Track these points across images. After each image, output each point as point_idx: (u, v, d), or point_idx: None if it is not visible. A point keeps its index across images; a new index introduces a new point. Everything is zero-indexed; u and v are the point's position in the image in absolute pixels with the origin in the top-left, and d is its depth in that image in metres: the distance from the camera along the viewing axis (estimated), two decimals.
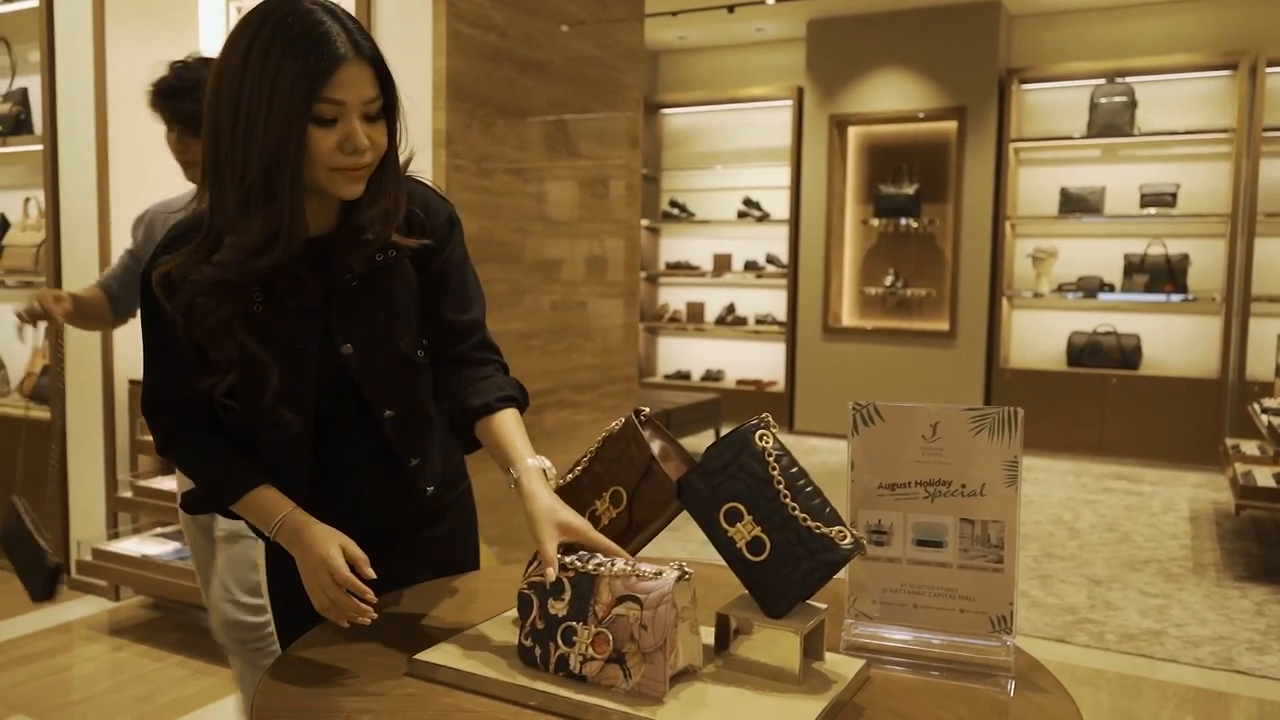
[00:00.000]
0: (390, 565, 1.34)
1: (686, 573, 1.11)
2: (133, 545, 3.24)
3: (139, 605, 3.43)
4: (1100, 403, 6.48)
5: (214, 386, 1.23)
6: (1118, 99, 6.45)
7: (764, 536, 1.14)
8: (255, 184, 1.15)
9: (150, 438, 1.40)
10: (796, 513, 1.13)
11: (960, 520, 1.21)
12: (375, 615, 1.19)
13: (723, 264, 7.85)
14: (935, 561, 1.22)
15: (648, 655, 1.11)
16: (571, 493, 1.26)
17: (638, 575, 1.13)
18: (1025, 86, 6.79)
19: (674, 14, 6.83)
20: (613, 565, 1.15)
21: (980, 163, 6.77)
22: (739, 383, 7.73)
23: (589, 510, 1.25)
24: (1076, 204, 6.62)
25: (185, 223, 1.26)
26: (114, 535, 3.39)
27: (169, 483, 3.26)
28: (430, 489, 1.41)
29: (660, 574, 1.12)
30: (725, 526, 1.16)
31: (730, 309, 7.89)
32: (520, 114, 3.10)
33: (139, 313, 1.32)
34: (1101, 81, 6.52)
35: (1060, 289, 6.71)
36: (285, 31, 1.14)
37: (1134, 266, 6.51)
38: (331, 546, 1.21)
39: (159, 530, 3.40)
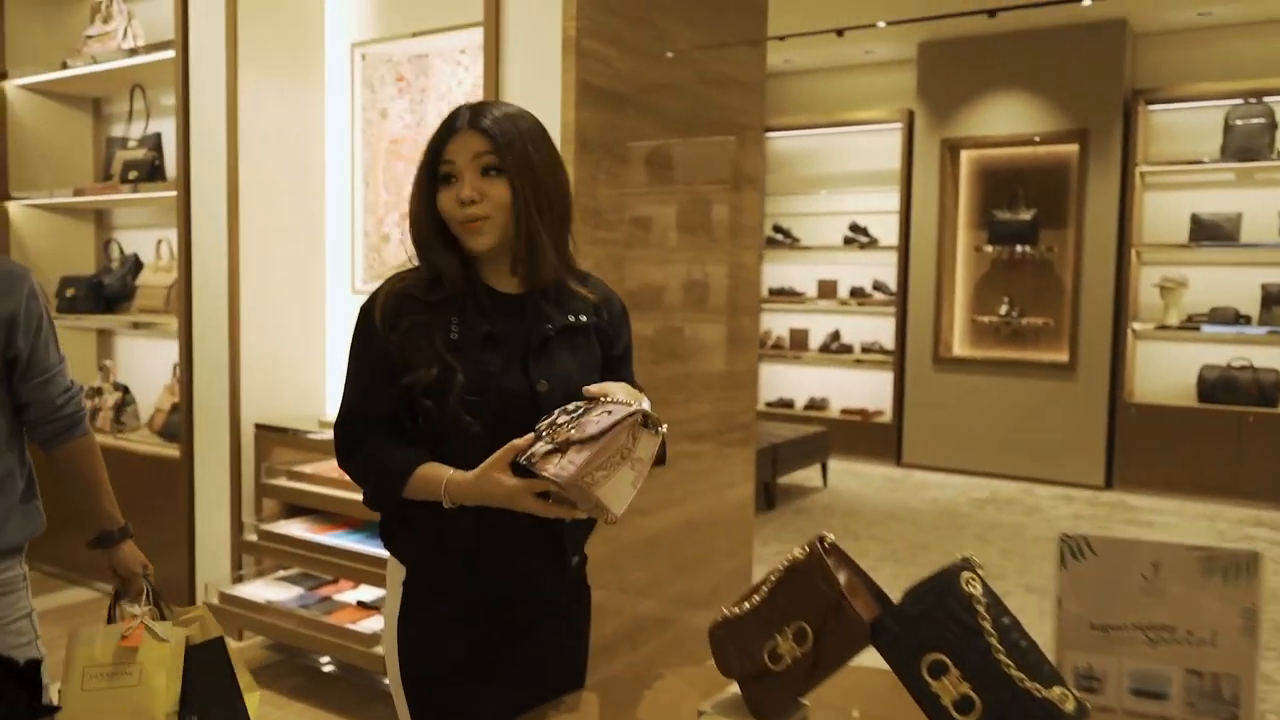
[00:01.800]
0: (509, 669, 1.51)
1: (659, 426, 1.29)
2: (257, 589, 3.28)
3: (261, 646, 3.47)
4: (1235, 441, 6.11)
5: (416, 382, 1.41)
6: (1256, 120, 6.09)
7: (973, 695, 1.04)
8: (414, 238, 1.49)
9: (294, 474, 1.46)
10: (1011, 670, 1.03)
11: (1186, 671, 1.09)
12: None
13: (828, 290, 7.69)
14: (1156, 715, 1.10)
15: (584, 444, 1.24)
16: (750, 624, 1.18)
17: (621, 403, 1.29)
18: (1152, 108, 6.47)
19: (781, 38, 6.70)
20: (600, 397, 1.33)
21: (1103, 187, 6.47)
22: (844, 412, 7.55)
23: (769, 647, 1.16)
24: (1209, 231, 6.27)
25: (400, 273, 1.54)
26: (239, 578, 3.43)
27: (294, 527, 3.29)
28: (575, 559, 1.56)
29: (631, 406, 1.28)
30: (928, 680, 1.06)
31: (835, 336, 7.72)
32: (642, 161, 3.05)
33: (350, 342, 1.53)
34: (1237, 102, 6.17)
35: (1190, 320, 6.36)
36: (439, 123, 1.50)
37: (1273, 297, 6.13)
38: (497, 471, 1.34)
39: (281, 573, 3.43)
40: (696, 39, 3.22)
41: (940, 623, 1.05)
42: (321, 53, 3.64)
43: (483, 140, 1.43)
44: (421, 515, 1.46)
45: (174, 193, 3.68)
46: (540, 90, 2.78)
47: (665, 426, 1.32)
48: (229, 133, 3.42)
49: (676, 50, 3.12)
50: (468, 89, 3.34)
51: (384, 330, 1.45)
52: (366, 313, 1.50)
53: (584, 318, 1.54)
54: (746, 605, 1.19)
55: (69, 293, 4.15)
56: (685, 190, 3.25)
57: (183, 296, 3.62)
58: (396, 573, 1.55)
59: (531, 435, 1.32)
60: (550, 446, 1.28)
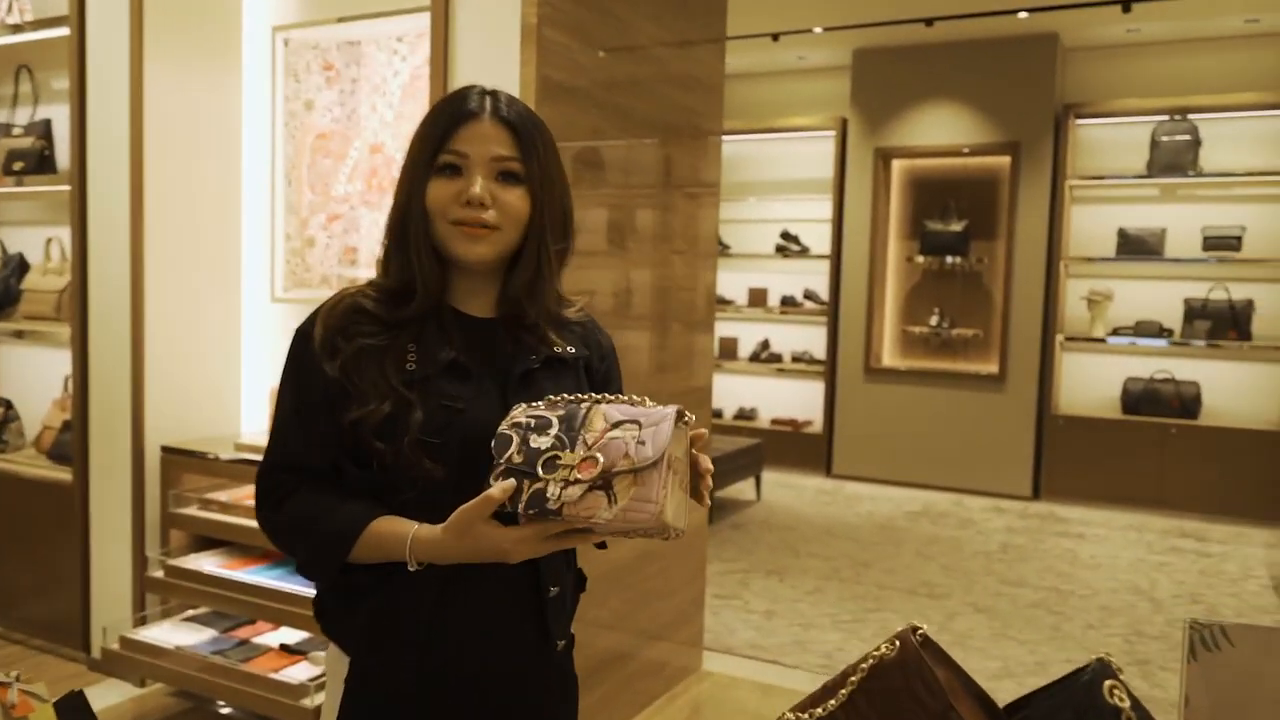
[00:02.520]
0: None
1: (686, 417, 1.06)
2: (164, 633, 2.93)
3: (165, 693, 3.11)
4: (1159, 453, 6.20)
5: (364, 419, 1.17)
6: (1180, 137, 6.19)
7: None
8: (390, 234, 1.24)
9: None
10: None
11: None
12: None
13: (758, 298, 7.57)
14: None
15: (640, 474, 1.02)
16: None
17: (634, 403, 1.08)
18: (1081, 122, 6.53)
19: (714, 41, 6.56)
20: (602, 396, 1.11)
21: (1034, 200, 6.50)
22: (774, 422, 7.43)
23: None
24: (1135, 245, 6.35)
25: (341, 291, 1.28)
26: (141, 619, 3.07)
27: (205, 561, 2.95)
28: (560, 644, 1.30)
29: (657, 406, 1.07)
30: None
31: (765, 345, 7.61)
32: (601, 164, 2.82)
33: (281, 373, 1.28)
34: (1163, 118, 6.26)
35: (1116, 333, 6.43)
36: (439, 102, 1.26)
37: (1195, 312, 6.24)
38: (481, 524, 1.09)
39: (190, 613, 3.08)
40: (660, 35, 3.01)
41: None
42: (239, 36, 3.31)
43: (506, 137, 1.21)
44: (370, 586, 1.20)
45: (67, 187, 3.30)
46: (494, 83, 2.51)
47: (693, 417, 1.10)
48: (133, 121, 3.06)
49: (639, 46, 2.90)
50: (405, 81, 3.06)
51: (324, 354, 1.20)
52: (303, 335, 1.25)
53: (572, 349, 1.30)
54: (819, 710, 0.97)
55: None
56: (643, 195, 3.04)
57: (77, 302, 3.24)
58: (337, 664, 1.28)
59: (505, 480, 1.07)
60: (573, 484, 1.03)
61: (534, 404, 1.12)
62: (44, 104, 3.77)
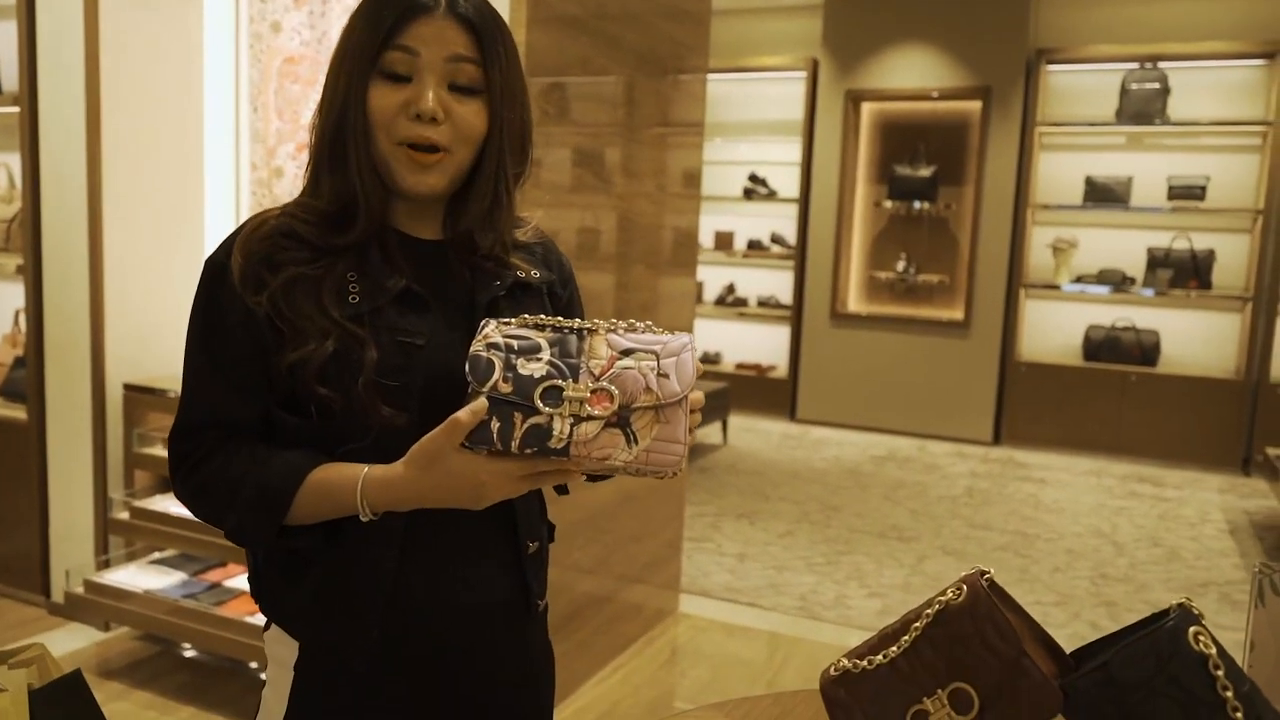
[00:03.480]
0: None
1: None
2: (129, 576, 2.83)
3: (130, 637, 3.03)
4: (1118, 400, 6.30)
5: (305, 361, 0.99)
6: (1150, 85, 6.19)
7: None
8: (322, 147, 1.04)
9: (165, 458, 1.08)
10: None
11: None
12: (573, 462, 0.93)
13: (724, 241, 7.50)
14: None
15: (663, 411, 0.91)
16: (884, 682, 0.92)
17: (639, 329, 0.96)
18: (1052, 68, 6.50)
19: None
20: (599, 322, 0.97)
21: (1003, 146, 6.48)
22: (738, 366, 7.42)
23: (912, 711, 0.91)
24: (1101, 194, 6.38)
25: (264, 210, 1.09)
26: (105, 563, 2.97)
27: (171, 502, 2.85)
28: (541, 604, 1.17)
29: (668, 334, 0.96)
30: None
31: (730, 289, 7.56)
32: (591, 97, 2.71)
33: (190, 316, 1.07)
34: (1134, 66, 6.25)
35: (1079, 280, 6.48)
36: None
37: (1157, 261, 6.30)
38: (452, 453, 0.93)
39: (156, 556, 2.99)
40: None
41: (1163, 693, 0.82)
42: None
43: (463, 37, 1.01)
44: (316, 548, 1.03)
45: (14, 109, 3.10)
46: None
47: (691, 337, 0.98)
48: (88, 39, 2.87)
49: None
50: None
51: (247, 288, 1.01)
52: (217, 267, 1.04)
53: (537, 274, 1.14)
54: (879, 658, 0.93)
55: None
56: (628, 131, 2.94)
57: (30, 232, 3.06)
58: (281, 650, 1.09)
59: (479, 401, 0.91)
60: (585, 420, 0.90)
61: (505, 321, 0.97)
62: None
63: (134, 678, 2.79)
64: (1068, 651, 0.93)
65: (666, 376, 0.93)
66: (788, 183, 7.28)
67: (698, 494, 4.95)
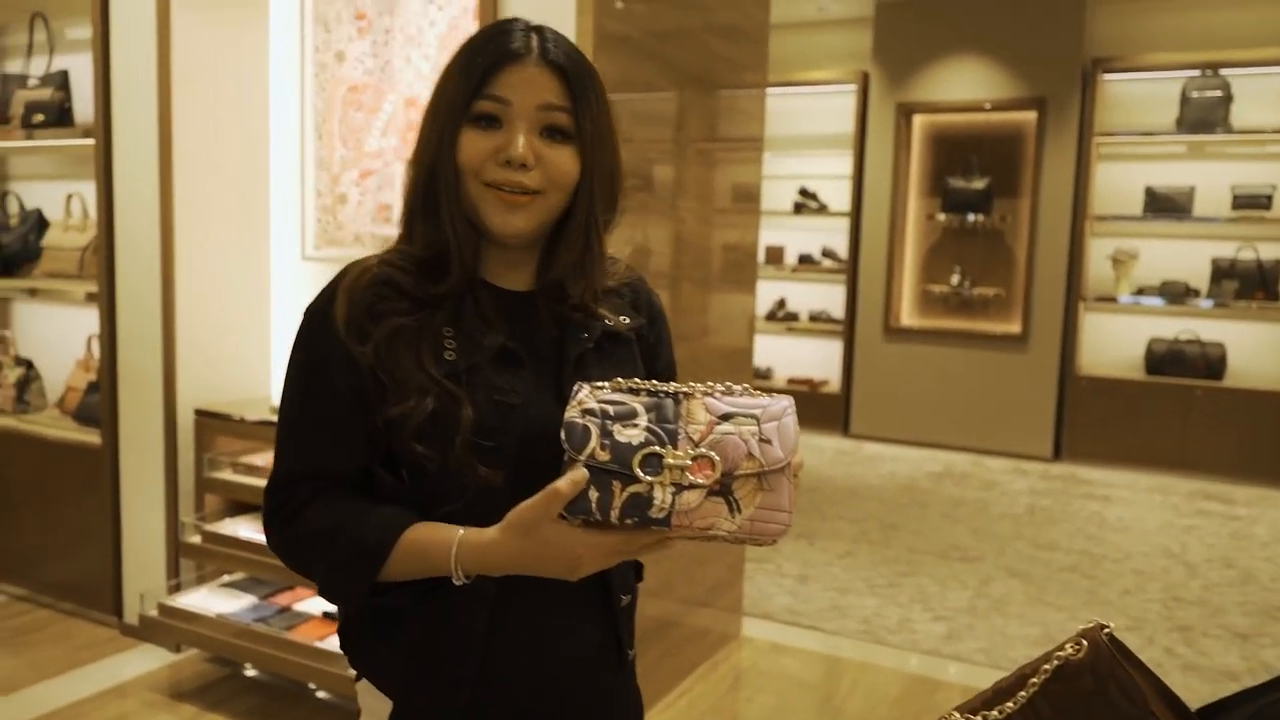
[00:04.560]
0: None
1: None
2: (201, 599, 2.87)
3: (200, 659, 3.07)
4: (1182, 415, 6.15)
5: (404, 418, 0.98)
6: (1211, 93, 6.06)
7: None
8: (417, 194, 1.05)
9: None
10: None
11: None
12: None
13: (774, 256, 7.46)
14: None
15: (767, 479, 0.89)
16: None
17: (736, 392, 0.94)
18: (1109, 77, 6.39)
19: None
20: (695, 385, 0.94)
21: (1060, 157, 6.38)
22: (790, 381, 7.37)
23: None
24: (1162, 204, 6.25)
25: (363, 258, 1.08)
26: (175, 586, 3.01)
27: (240, 526, 2.89)
28: (631, 654, 1.16)
29: (765, 395, 0.94)
30: None
31: (781, 304, 7.52)
32: (653, 118, 2.71)
33: (288, 364, 1.07)
34: (1194, 73, 6.12)
35: (1140, 292, 6.35)
36: (473, 39, 1.05)
37: (1222, 272, 6.16)
38: (548, 524, 0.92)
39: (226, 579, 3.03)
40: None
41: None
42: None
43: (556, 84, 1.01)
44: (407, 609, 1.02)
45: (87, 140, 3.18)
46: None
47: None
48: (160, 72, 2.94)
49: None
50: (442, 31, 2.94)
51: (351, 337, 1.00)
52: (319, 316, 1.03)
53: (626, 319, 1.12)
54: (994, 714, 0.90)
55: None
56: (687, 151, 2.93)
57: (104, 259, 3.13)
58: (375, 704, 1.08)
59: (578, 471, 0.89)
60: (688, 489, 0.88)
61: (598, 385, 0.94)
62: (59, 54, 3.63)
63: (205, 700, 2.83)
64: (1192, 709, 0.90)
65: (769, 442, 0.90)
66: (838, 196, 7.23)
67: None
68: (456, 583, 0.97)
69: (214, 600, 2.87)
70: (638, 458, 0.89)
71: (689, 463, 0.89)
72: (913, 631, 3.51)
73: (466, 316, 1.03)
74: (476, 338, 1.02)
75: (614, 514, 0.88)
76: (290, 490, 1.03)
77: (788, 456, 0.90)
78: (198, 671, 3.01)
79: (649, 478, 0.88)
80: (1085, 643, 0.87)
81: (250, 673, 2.97)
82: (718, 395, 0.93)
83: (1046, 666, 0.89)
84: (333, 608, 2.81)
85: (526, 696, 1.06)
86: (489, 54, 1.01)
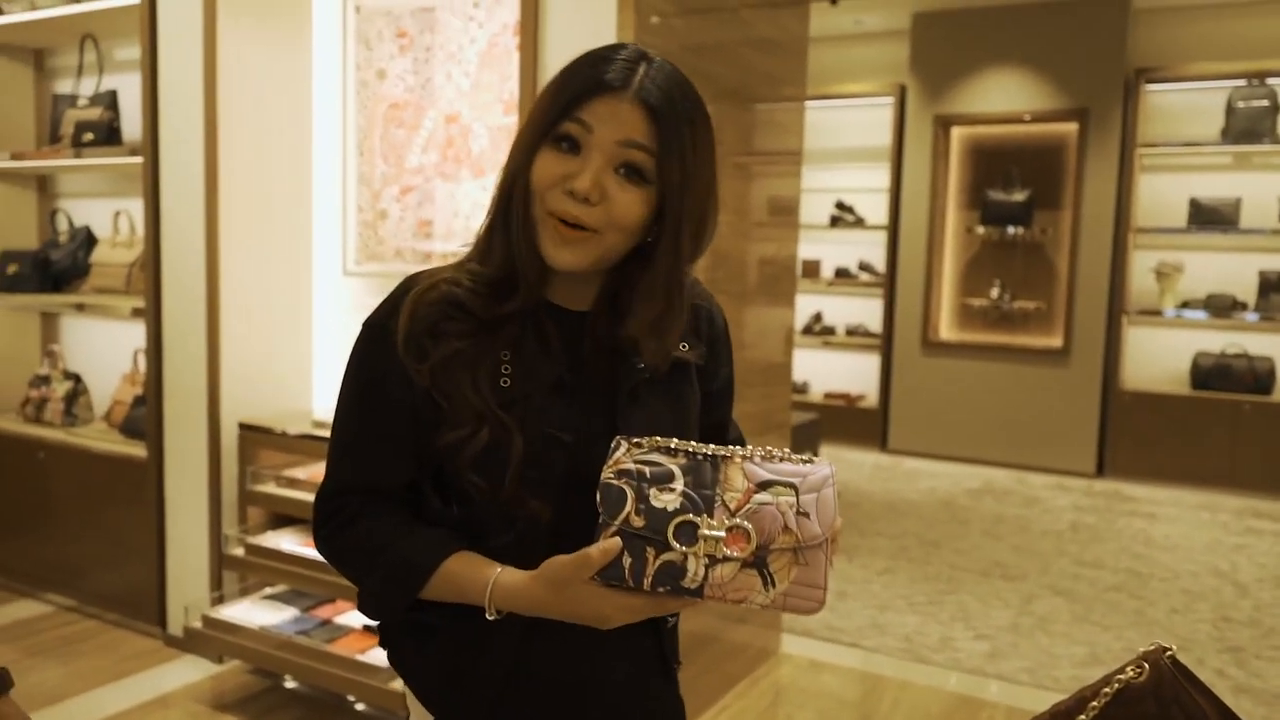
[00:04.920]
0: None
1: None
2: (244, 611, 2.90)
3: (242, 671, 3.09)
4: (1230, 430, 6.02)
5: (457, 446, 0.98)
6: (1258, 102, 5.95)
7: None
8: (499, 209, 1.03)
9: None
10: None
11: None
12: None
13: (811, 270, 7.43)
14: None
15: (803, 553, 0.87)
16: None
17: (776, 458, 0.92)
18: (1153, 87, 6.30)
19: (771, 5, 6.39)
20: (734, 449, 0.93)
21: (1101, 169, 6.30)
22: (827, 396, 7.32)
23: None
24: (1208, 216, 6.14)
25: (425, 271, 1.07)
26: (218, 598, 3.05)
27: (283, 539, 2.92)
28: (678, 666, 1.18)
29: (806, 460, 0.92)
30: None
31: (817, 318, 7.48)
32: None
33: (343, 375, 1.07)
34: (1240, 83, 6.02)
35: (1185, 306, 6.24)
36: (575, 60, 1.03)
37: (1270, 284, 6.03)
38: (580, 584, 0.92)
39: (268, 592, 3.06)
40: None
41: None
42: (309, 3, 3.22)
43: (643, 123, 0.96)
44: (443, 626, 1.03)
45: (135, 159, 3.24)
46: (584, 47, 2.42)
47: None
48: (206, 91, 2.99)
49: (726, 8, 2.79)
50: (482, 48, 2.96)
51: (410, 355, 0.99)
52: (379, 329, 1.02)
53: (685, 346, 1.08)
54: None
55: (11, 269, 3.68)
56: (730, 165, 2.93)
57: (150, 275, 3.19)
58: (424, 714, 1.10)
59: (611, 541, 0.89)
60: (721, 562, 0.87)
61: (637, 442, 0.93)
62: (108, 74, 3.71)
63: (247, 712, 2.85)
64: None
65: (807, 516, 0.89)
66: (875, 209, 7.19)
67: None
68: (489, 617, 0.98)
69: (256, 612, 2.89)
70: (672, 525, 0.88)
71: (723, 534, 0.88)
72: (954, 650, 3.46)
73: (527, 343, 1.02)
74: (534, 366, 1.01)
75: (647, 582, 0.88)
76: (340, 501, 1.05)
77: (825, 533, 0.89)
78: (240, 683, 3.03)
79: (683, 548, 0.88)
80: (1147, 665, 0.86)
81: (291, 685, 2.99)
82: (758, 460, 0.92)
83: (1107, 690, 0.87)
84: (375, 622, 2.82)
85: (564, 713, 1.06)
86: (585, 79, 0.98)
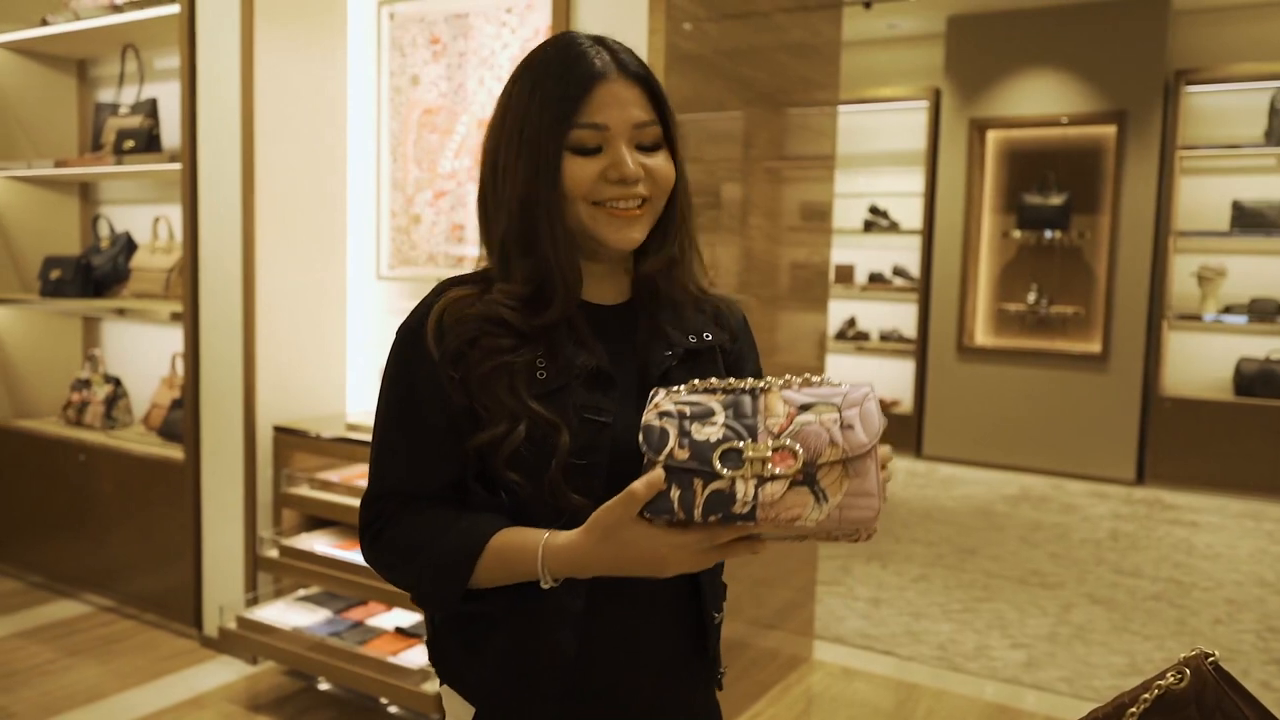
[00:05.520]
0: None
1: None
2: (278, 612, 2.92)
3: (276, 672, 3.12)
4: (1275, 437, 5.89)
5: (495, 445, 0.99)
6: None
7: None
8: (510, 229, 1.03)
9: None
10: None
11: None
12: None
13: (844, 275, 7.39)
14: None
15: (851, 464, 0.87)
16: None
17: (814, 383, 0.93)
18: (1193, 89, 6.20)
19: (830, 7, 6.37)
20: (771, 379, 0.93)
21: (1141, 172, 6.20)
22: None
23: None
24: (1251, 219, 6.02)
25: (462, 275, 1.10)
26: (253, 599, 3.07)
27: (317, 541, 2.94)
28: (721, 672, 1.16)
29: (842, 384, 0.93)
30: None
31: (851, 323, 7.43)
32: (724, 137, 2.71)
33: (381, 381, 1.08)
34: None
35: (1228, 311, 6.12)
36: (544, 59, 1.04)
37: None
38: (631, 525, 0.91)
39: (302, 593, 3.08)
40: (778, 1, 2.88)
41: None
42: (344, 10, 3.26)
43: (640, 97, 1.02)
44: (498, 617, 1.03)
45: (174, 165, 3.29)
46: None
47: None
48: (244, 100, 3.03)
49: (759, 12, 2.78)
50: (514, 54, 2.98)
51: (444, 360, 1.01)
52: (415, 336, 1.03)
53: (708, 335, 1.12)
54: None
55: (54, 274, 3.74)
56: (763, 169, 2.92)
57: (189, 281, 3.23)
58: (458, 708, 1.09)
59: (655, 472, 0.89)
60: (770, 480, 0.87)
61: (674, 389, 0.95)
62: (149, 83, 3.78)
63: (281, 712, 2.87)
64: None
65: (851, 428, 0.89)
66: (909, 214, 7.13)
67: None
68: (544, 586, 0.97)
69: (290, 614, 2.92)
70: (717, 454, 0.88)
71: (769, 454, 0.88)
72: (990, 658, 3.41)
73: (561, 340, 1.03)
74: (570, 359, 1.03)
75: (697, 512, 0.88)
76: (384, 504, 1.05)
77: (871, 441, 0.89)
78: (274, 684, 3.06)
79: (730, 472, 0.87)
80: (1188, 671, 0.83)
81: (324, 687, 3.01)
82: (796, 387, 0.93)
83: (1146, 696, 0.85)
84: (406, 622, 2.84)
85: (613, 710, 1.06)
86: (574, 81, 1.00)
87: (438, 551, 1.00)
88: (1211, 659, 0.84)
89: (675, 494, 0.88)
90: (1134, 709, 0.85)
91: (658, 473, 0.89)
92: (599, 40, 1.05)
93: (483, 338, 1.01)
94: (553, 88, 1.01)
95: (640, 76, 1.03)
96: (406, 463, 1.04)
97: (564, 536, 0.95)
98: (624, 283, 1.11)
